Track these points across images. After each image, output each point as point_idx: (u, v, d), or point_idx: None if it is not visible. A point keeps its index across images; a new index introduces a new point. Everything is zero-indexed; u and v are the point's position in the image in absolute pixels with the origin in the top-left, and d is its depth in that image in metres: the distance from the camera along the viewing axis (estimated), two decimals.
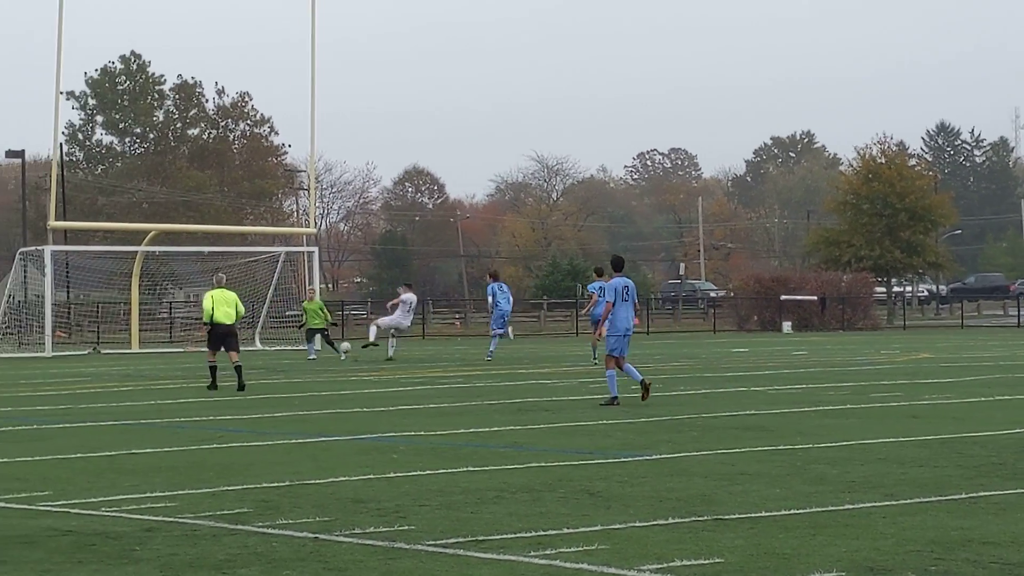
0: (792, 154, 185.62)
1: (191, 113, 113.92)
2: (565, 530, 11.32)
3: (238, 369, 29.22)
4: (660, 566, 9.89)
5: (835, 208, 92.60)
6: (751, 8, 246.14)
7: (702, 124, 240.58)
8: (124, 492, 13.70)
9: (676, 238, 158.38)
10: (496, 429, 19.86)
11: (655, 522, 11.65)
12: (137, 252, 57.32)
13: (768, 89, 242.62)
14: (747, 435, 18.55)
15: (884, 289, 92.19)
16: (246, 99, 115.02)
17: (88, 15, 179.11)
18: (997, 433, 18.62)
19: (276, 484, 14.14)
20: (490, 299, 41.71)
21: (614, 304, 23.99)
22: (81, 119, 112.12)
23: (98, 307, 65.76)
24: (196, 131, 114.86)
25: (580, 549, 10.50)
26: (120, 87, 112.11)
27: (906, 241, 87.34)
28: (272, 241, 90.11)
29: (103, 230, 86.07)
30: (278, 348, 53.58)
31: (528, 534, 11.14)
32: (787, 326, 74.03)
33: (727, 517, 11.85)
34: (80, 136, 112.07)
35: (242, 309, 30.49)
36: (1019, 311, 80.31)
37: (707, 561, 10.03)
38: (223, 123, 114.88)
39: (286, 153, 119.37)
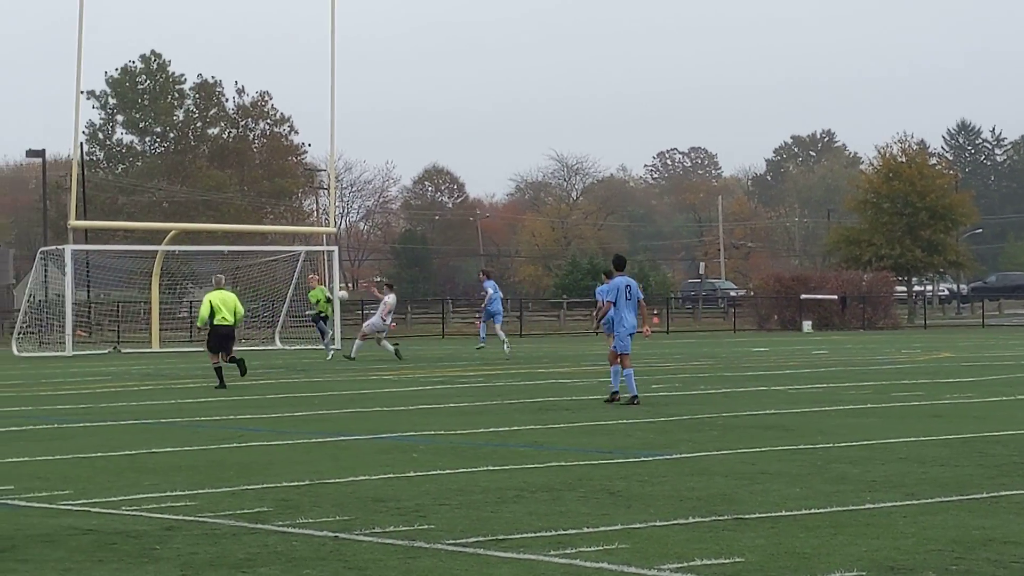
0: (812, 153, 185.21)
1: (211, 112, 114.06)
2: (585, 529, 11.30)
3: (238, 361, 30.30)
4: (680, 565, 9.87)
5: (856, 207, 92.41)
6: (772, 7, 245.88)
7: (722, 123, 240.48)
8: (144, 491, 13.71)
9: (696, 237, 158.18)
10: (516, 428, 19.84)
11: (675, 521, 11.63)
12: (157, 251, 57.41)
13: (788, 88, 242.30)
14: (768, 434, 18.52)
15: (905, 288, 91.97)
16: (266, 98, 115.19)
17: (108, 14, 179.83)
18: (1019, 432, 18.57)
19: (296, 483, 14.14)
20: (491, 292, 42.11)
21: (616, 303, 23.91)
22: (101, 118, 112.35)
23: (118, 306, 65.82)
24: (216, 130, 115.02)
25: (600, 548, 10.49)
26: (140, 86, 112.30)
27: (927, 240, 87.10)
28: (292, 240, 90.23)
29: (123, 229, 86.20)
30: (298, 347, 53.58)
31: (548, 533, 11.13)
32: (807, 325, 73.89)
33: (748, 516, 11.82)
34: (100, 135, 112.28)
35: (241, 310, 30.69)
36: None
37: (727, 560, 10.01)
38: (243, 122, 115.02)
39: (306, 152, 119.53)
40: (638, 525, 11.48)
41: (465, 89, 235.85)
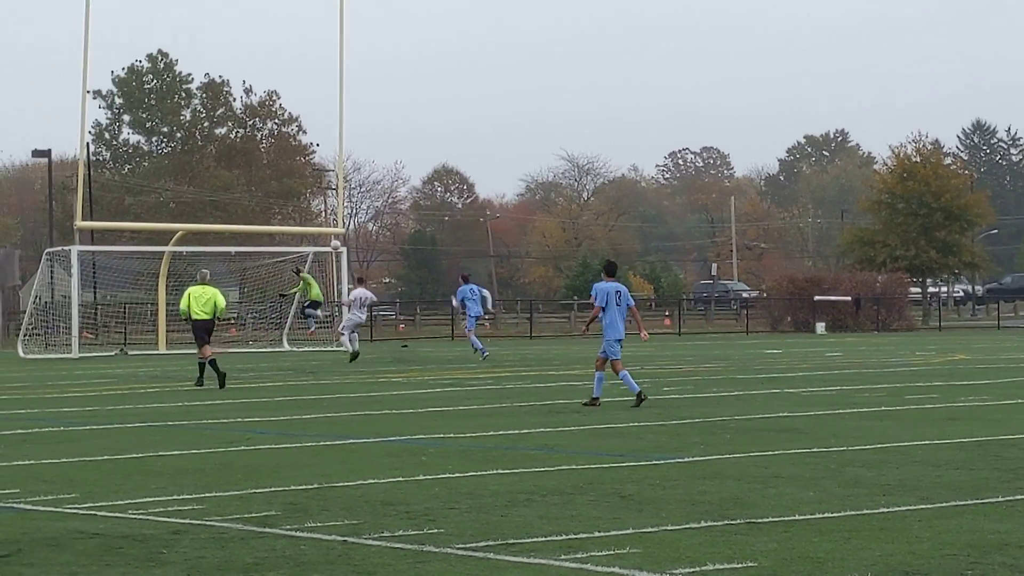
0: (826, 153, 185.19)
1: (218, 112, 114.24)
2: (596, 533, 11.21)
3: (211, 363, 30.11)
4: (692, 570, 9.78)
5: (870, 207, 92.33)
6: (784, 7, 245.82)
7: (734, 122, 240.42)
8: (151, 494, 13.64)
9: (708, 238, 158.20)
10: (526, 431, 19.76)
11: (688, 525, 11.54)
12: (164, 252, 57.37)
13: (801, 87, 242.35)
14: (781, 437, 18.43)
15: (919, 290, 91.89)
16: (274, 98, 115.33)
17: (115, 14, 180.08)
18: None
19: (305, 486, 14.07)
20: (456, 302, 42.60)
21: (605, 309, 23.80)
22: (108, 118, 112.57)
23: (125, 308, 65.86)
24: (223, 130, 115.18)
25: (611, 553, 10.40)
26: (147, 86, 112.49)
27: (942, 241, 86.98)
28: (300, 241, 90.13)
29: (130, 230, 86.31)
30: (306, 349, 53.52)
31: (559, 537, 11.04)
32: (821, 327, 73.81)
33: (761, 520, 11.73)
34: (107, 135, 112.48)
35: (221, 303, 31.00)
36: None
37: (740, 565, 9.92)
38: (251, 122, 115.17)
39: (314, 152, 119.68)
40: (650, 529, 11.39)
41: (475, 89, 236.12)
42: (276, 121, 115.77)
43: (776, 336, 70.34)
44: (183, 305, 30.92)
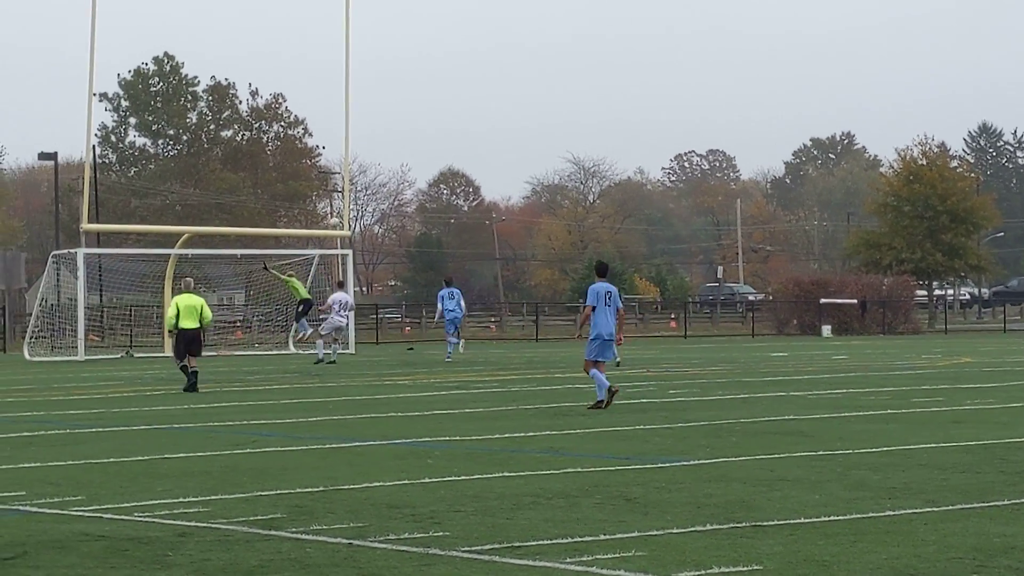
0: (832, 155, 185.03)
1: (224, 115, 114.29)
2: (602, 536, 11.20)
3: (194, 372, 30.12)
4: (698, 573, 9.77)
5: (876, 210, 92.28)
6: (789, 10, 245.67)
7: (740, 125, 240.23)
8: (157, 497, 13.64)
9: (714, 241, 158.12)
10: (532, 434, 19.75)
11: (693, 528, 11.52)
12: (170, 255, 57.39)
13: (807, 90, 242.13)
14: (787, 440, 18.41)
15: (925, 292, 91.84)
16: (280, 100, 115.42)
17: (121, 16, 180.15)
18: None
19: (310, 489, 14.06)
20: (440, 305, 43.09)
21: (595, 309, 23.85)
22: (114, 121, 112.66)
23: (131, 310, 65.83)
24: (229, 133, 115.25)
25: (617, 556, 10.39)
26: (153, 88, 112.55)
27: (948, 244, 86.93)
28: (306, 244, 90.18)
29: (136, 233, 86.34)
30: (312, 352, 53.45)
31: (564, 540, 11.03)
32: (827, 330, 73.78)
33: (766, 523, 11.71)
34: (113, 138, 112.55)
35: (208, 314, 31.14)
36: None
37: (746, 568, 9.91)
38: (257, 125, 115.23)
39: (320, 155, 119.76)
40: (655, 532, 11.38)
41: (481, 92, 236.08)
42: (282, 123, 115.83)
43: (782, 339, 70.31)
44: (171, 315, 30.78)
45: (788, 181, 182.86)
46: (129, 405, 26.66)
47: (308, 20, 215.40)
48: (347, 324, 44.54)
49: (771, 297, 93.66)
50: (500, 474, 15.10)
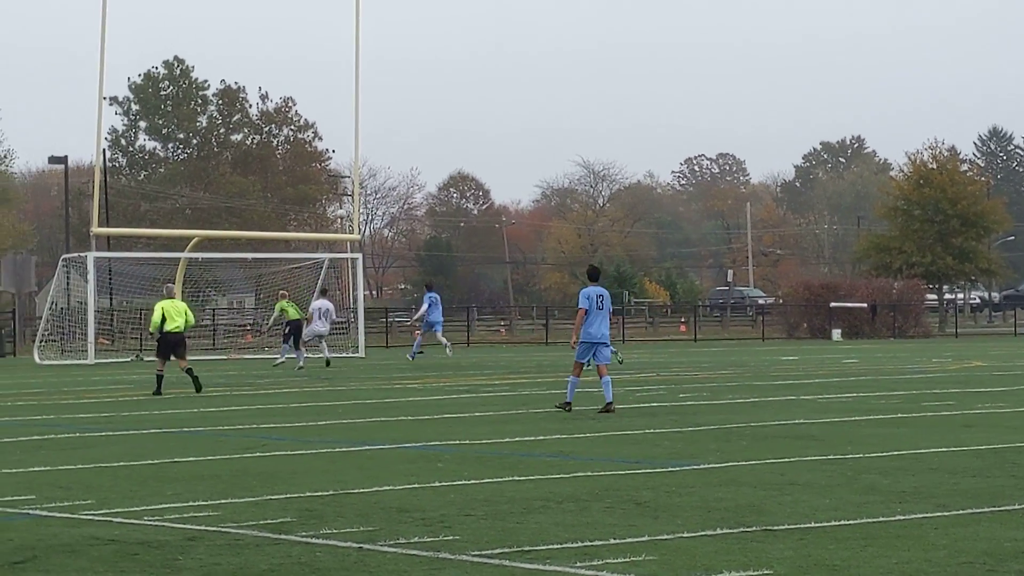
0: (842, 159, 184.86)
1: (234, 118, 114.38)
2: (612, 540, 11.19)
3: (190, 372, 30.49)
4: None
5: (886, 214, 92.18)
6: (799, 15, 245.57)
7: (750, 129, 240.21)
8: (167, 500, 13.64)
9: (724, 244, 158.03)
10: (542, 438, 19.73)
11: (703, 532, 11.51)
12: (180, 259, 57.40)
13: (817, 93, 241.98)
14: (797, 444, 18.38)
15: (936, 296, 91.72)
16: (289, 104, 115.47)
17: (131, 20, 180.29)
18: None
19: (320, 493, 14.05)
20: (426, 306, 43.51)
21: (588, 312, 23.94)
22: (124, 124, 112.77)
23: (141, 314, 65.79)
24: (239, 136, 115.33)
25: (627, 560, 10.38)
26: (163, 92, 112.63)
27: (958, 247, 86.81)
28: (316, 247, 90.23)
29: (146, 236, 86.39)
30: (322, 355, 53.42)
31: (574, 544, 11.02)
32: (837, 334, 73.68)
33: (776, 528, 11.69)
34: (123, 142, 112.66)
35: (192, 318, 31.57)
36: None
37: (756, 572, 9.90)
38: (266, 128, 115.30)
39: (330, 158, 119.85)
40: (665, 536, 11.36)
41: (491, 95, 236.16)
42: (292, 127, 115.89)
43: (792, 343, 70.23)
44: (156, 318, 30.87)
45: (798, 184, 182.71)
46: (139, 409, 26.67)
47: (318, 24, 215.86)
48: (326, 332, 44.51)
49: (781, 301, 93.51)
50: (510, 478, 15.09)
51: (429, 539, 11.33)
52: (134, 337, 63.25)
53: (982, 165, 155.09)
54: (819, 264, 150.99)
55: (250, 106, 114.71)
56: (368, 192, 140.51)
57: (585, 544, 11.03)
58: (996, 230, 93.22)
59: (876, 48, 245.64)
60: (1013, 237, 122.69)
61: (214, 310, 77.17)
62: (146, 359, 53.31)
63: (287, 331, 43.29)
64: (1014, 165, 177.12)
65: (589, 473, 15.49)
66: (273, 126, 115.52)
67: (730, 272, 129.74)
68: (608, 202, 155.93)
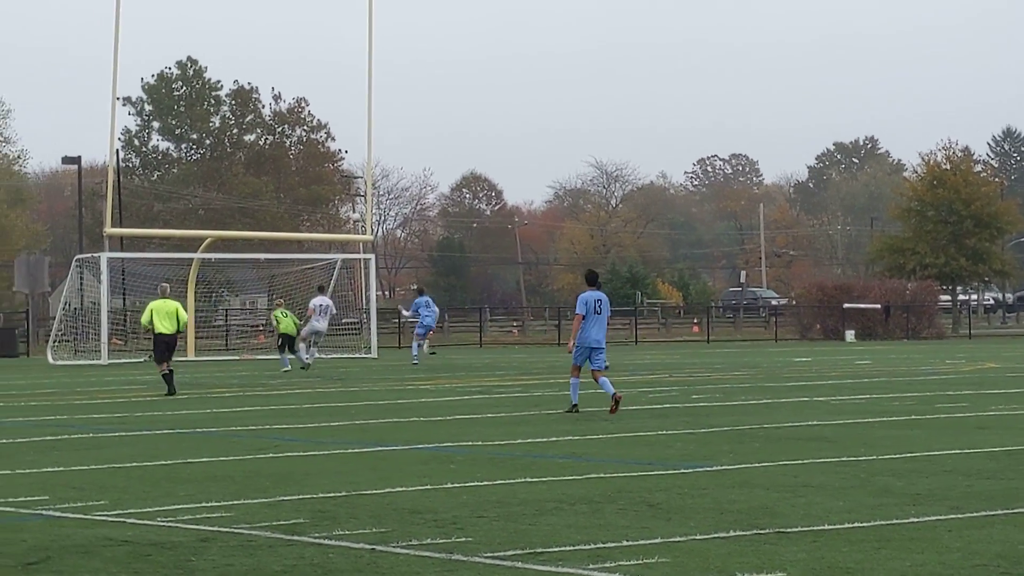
0: (855, 160, 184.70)
1: (247, 119, 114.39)
2: (624, 542, 11.17)
3: (166, 377, 30.62)
4: None
5: (899, 215, 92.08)
6: (811, 15, 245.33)
7: (763, 129, 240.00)
8: (180, 501, 13.64)
9: (737, 245, 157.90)
10: (555, 439, 19.72)
11: (716, 535, 11.48)
12: (193, 259, 57.48)
13: (831, 94, 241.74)
14: (810, 446, 18.35)
15: (949, 297, 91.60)
16: (302, 105, 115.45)
17: (145, 21, 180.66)
18: None
19: (333, 494, 14.05)
20: (409, 312, 44.13)
21: (585, 317, 23.97)
22: (137, 125, 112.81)
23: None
24: (252, 137, 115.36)
25: (640, 562, 10.36)
26: (176, 93, 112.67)
27: (972, 248, 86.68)
28: (328, 248, 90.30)
29: (159, 237, 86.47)
30: (335, 356, 53.55)
31: (587, 546, 11.00)
32: (850, 335, 73.59)
33: (790, 530, 11.67)
34: (136, 142, 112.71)
35: (184, 317, 31.55)
36: None
37: (769, 574, 9.88)
38: (279, 129, 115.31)
39: (343, 159, 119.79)
40: (678, 538, 11.35)
41: (503, 96, 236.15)
42: (305, 128, 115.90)
43: (805, 344, 70.15)
44: (145, 319, 31.37)
45: (811, 185, 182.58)
46: (152, 409, 26.69)
47: (331, 25, 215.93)
48: (325, 329, 44.46)
49: (794, 302, 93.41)
50: (523, 479, 15.08)
51: (442, 540, 11.32)
52: (147, 338, 63.19)
53: (996, 166, 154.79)
54: (832, 265, 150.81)
55: (263, 107, 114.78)
56: (381, 193, 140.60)
57: (598, 546, 11.01)
58: (1010, 231, 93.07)
59: (890, 49, 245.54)
60: None
61: (227, 311, 77.25)
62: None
63: (279, 343, 43.25)
64: None
65: (602, 475, 15.47)
66: (286, 127, 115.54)
67: (743, 273, 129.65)
68: (621, 203, 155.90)
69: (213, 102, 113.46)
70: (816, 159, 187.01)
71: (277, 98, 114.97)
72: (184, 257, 60.52)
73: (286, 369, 41.57)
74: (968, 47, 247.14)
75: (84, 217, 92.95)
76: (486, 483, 14.82)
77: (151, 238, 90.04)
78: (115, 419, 24.48)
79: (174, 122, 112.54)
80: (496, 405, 26.58)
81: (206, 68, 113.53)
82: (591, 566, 10.22)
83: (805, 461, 16.60)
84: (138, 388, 34.07)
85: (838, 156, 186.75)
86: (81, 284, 57.55)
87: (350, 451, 18.51)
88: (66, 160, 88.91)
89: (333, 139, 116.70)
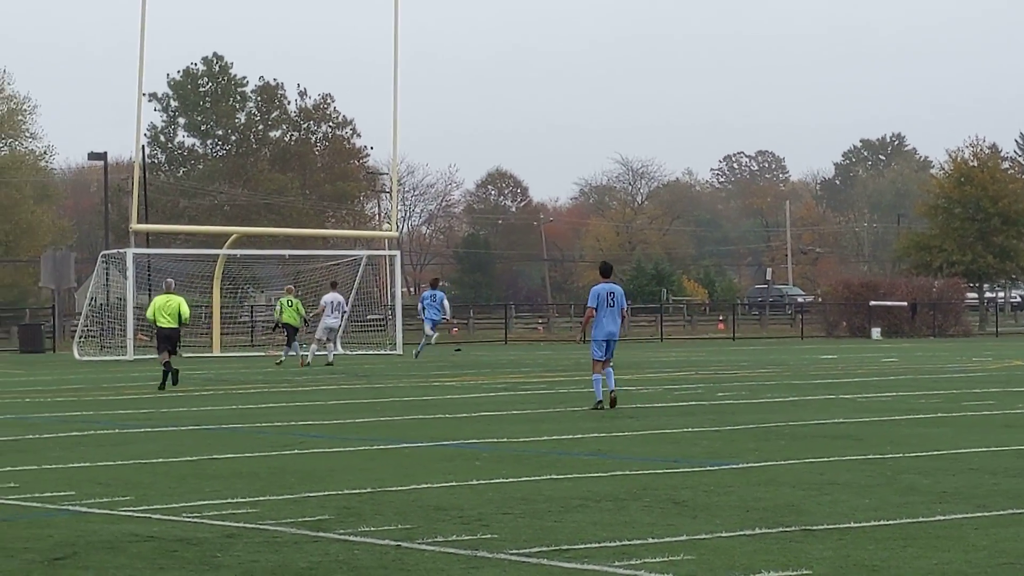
0: (882, 157, 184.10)
1: (273, 115, 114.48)
2: (650, 540, 11.17)
3: (169, 366, 31.19)
4: None
5: (926, 212, 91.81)
6: (840, 10, 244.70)
7: (790, 126, 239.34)
8: (206, 498, 13.67)
9: (763, 242, 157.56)
10: (580, 436, 19.71)
11: (742, 532, 11.47)
12: (219, 255, 57.57)
13: (857, 91, 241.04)
14: (836, 444, 18.31)
15: (976, 295, 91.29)
16: (328, 101, 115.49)
17: (171, 17, 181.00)
18: None
19: (358, 491, 14.06)
20: (420, 305, 45.73)
21: (597, 309, 23.92)
22: (163, 121, 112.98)
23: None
24: (278, 133, 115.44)
25: (665, 559, 10.35)
26: (202, 89, 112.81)
27: (999, 246, 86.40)
28: (354, 244, 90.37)
29: (185, 233, 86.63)
30: (360, 352, 53.61)
31: (612, 543, 11.00)
32: (876, 333, 73.41)
33: (815, 528, 11.65)
34: (162, 138, 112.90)
35: (186, 312, 32.11)
36: None
37: (795, 572, 9.87)
38: (305, 125, 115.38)
39: (368, 155, 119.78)
40: (704, 536, 11.33)
41: (529, 92, 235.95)
42: (330, 124, 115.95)
43: (831, 341, 70.00)
44: (148, 314, 32.25)
45: (838, 182, 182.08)
46: (178, 405, 26.75)
47: (357, 21, 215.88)
48: (339, 325, 44.52)
49: (820, 299, 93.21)
50: (548, 476, 15.07)
51: (467, 537, 11.32)
52: None
53: (1023, 163, 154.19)
54: (859, 262, 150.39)
55: (289, 103, 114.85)
56: (406, 189, 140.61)
57: (623, 543, 11.01)
58: None
59: (917, 44, 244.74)
60: None
61: (252, 307, 77.34)
62: (184, 355, 53.50)
63: (281, 329, 43.44)
64: None
65: (627, 472, 15.46)
66: (312, 123, 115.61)
67: (769, 270, 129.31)
68: (647, 200, 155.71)
69: (239, 98, 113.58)
70: (843, 156, 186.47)
71: (303, 94, 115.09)
72: (210, 253, 60.60)
73: (280, 361, 42.02)
74: (996, 43, 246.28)
75: (110, 213, 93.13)
76: (511, 480, 14.82)
77: (177, 234, 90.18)
78: (141, 415, 24.54)
79: (200, 118, 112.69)
80: (521, 402, 26.58)
81: (232, 64, 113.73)
82: (616, 563, 10.22)
83: (831, 459, 16.56)
84: None
85: (865, 153, 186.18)
86: (107, 280, 57.67)
87: (375, 448, 18.53)
88: (92, 156, 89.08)
89: (359, 135, 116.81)
